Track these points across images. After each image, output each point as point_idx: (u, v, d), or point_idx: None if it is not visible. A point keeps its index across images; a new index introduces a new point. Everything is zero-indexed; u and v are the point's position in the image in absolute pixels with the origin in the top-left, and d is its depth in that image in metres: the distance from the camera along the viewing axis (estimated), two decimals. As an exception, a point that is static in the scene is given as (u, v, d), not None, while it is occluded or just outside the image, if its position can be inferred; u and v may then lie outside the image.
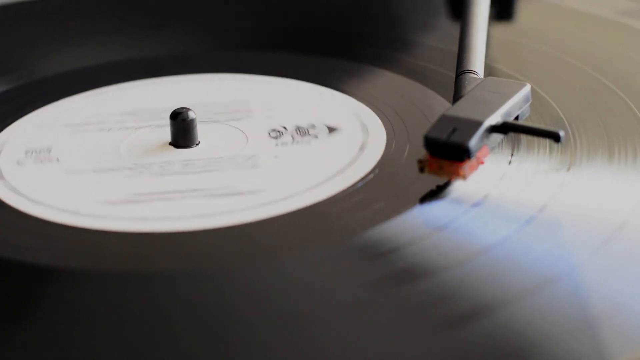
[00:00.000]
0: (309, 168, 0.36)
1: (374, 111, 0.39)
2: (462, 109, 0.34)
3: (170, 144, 0.38)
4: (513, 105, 0.34)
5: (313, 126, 0.39)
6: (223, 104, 0.41)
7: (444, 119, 0.33)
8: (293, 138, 0.38)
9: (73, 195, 0.35)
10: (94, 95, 0.43)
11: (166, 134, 0.38)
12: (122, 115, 0.40)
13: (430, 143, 0.32)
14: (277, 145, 0.38)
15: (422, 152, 0.33)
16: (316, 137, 0.38)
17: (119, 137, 0.39)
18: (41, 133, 0.39)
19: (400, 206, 0.32)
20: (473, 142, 0.32)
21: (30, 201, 0.35)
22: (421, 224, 0.32)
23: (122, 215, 0.33)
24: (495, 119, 0.33)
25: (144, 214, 0.33)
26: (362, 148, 0.37)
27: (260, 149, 0.37)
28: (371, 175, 0.35)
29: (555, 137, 0.33)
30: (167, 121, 0.38)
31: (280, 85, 0.43)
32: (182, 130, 0.37)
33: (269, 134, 0.38)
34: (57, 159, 0.37)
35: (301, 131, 0.38)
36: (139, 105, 0.41)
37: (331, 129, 0.38)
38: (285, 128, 0.39)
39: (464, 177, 0.32)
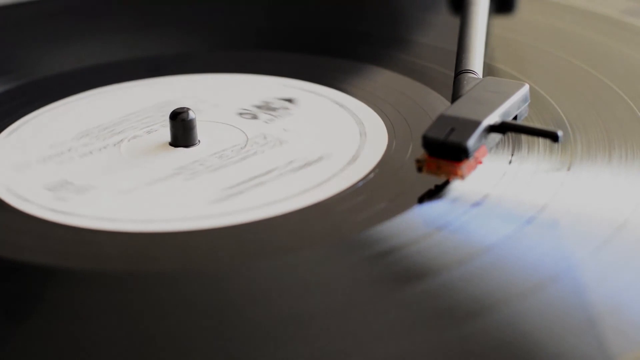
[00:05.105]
0: (330, 124, 0.37)
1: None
2: (460, 109, 0.34)
3: (173, 145, 0.37)
4: (511, 105, 0.34)
5: (268, 102, 0.39)
6: (160, 106, 0.40)
7: (442, 118, 0.33)
8: (271, 114, 0.38)
9: (174, 204, 0.34)
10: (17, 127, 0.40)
11: (152, 139, 0.38)
12: (77, 139, 0.38)
13: (429, 143, 0.32)
14: (266, 122, 0.38)
15: (422, 152, 0.33)
16: (286, 108, 0.38)
17: (108, 155, 0.37)
18: (30, 174, 0.36)
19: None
20: (471, 142, 0.32)
21: (135, 221, 0.33)
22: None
23: (239, 208, 0.33)
24: (493, 118, 0.33)
25: (263, 200, 0.33)
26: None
27: (261, 129, 0.38)
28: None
29: (553, 137, 0.32)
30: (131, 132, 0.38)
31: (201, 80, 0.43)
32: (186, 130, 0.37)
33: (242, 116, 0.39)
34: (92, 186, 0.35)
35: (265, 107, 0.39)
36: (84, 127, 0.39)
37: (288, 100, 0.39)
38: (247, 109, 0.39)
39: (462, 177, 0.32)
